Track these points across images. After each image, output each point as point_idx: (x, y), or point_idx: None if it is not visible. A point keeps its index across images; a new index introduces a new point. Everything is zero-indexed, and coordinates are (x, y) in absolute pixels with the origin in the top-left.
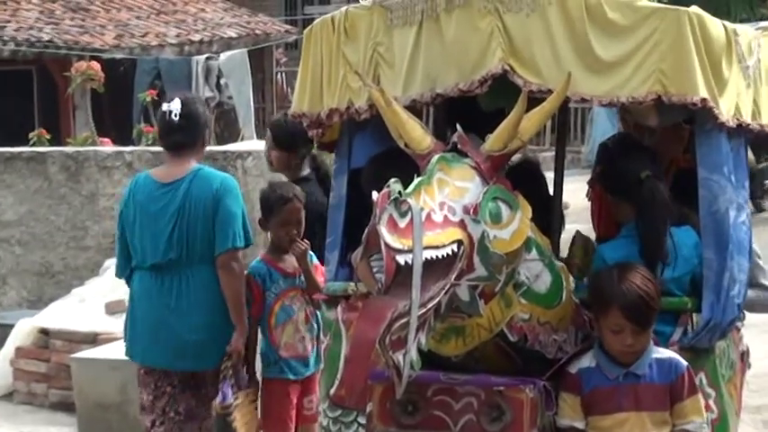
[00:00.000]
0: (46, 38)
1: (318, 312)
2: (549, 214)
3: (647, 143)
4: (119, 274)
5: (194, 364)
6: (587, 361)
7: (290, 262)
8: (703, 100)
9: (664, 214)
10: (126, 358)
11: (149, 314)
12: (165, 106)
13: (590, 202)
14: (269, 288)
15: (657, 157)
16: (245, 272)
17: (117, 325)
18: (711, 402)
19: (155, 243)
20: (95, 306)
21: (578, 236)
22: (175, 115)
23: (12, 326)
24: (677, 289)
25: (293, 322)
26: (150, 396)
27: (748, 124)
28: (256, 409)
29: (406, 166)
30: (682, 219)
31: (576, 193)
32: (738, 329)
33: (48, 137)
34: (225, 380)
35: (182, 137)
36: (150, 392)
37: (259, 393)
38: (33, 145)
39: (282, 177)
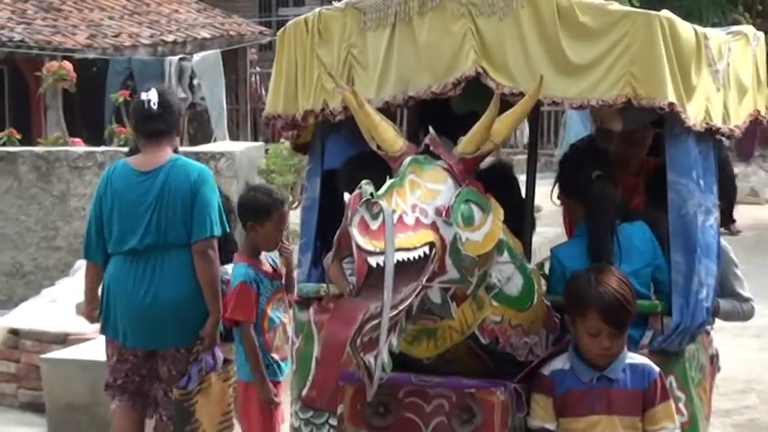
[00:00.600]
0: (17, 38)
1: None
2: (521, 217)
3: (612, 146)
4: (86, 255)
5: (166, 342)
6: (561, 363)
7: (266, 262)
8: (671, 104)
9: (610, 213)
10: (97, 359)
11: (126, 297)
12: (142, 95)
13: (562, 206)
14: (262, 293)
15: (611, 160)
16: (241, 280)
17: (88, 326)
18: (681, 406)
19: (133, 230)
20: (66, 306)
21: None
22: (153, 104)
23: None
24: (637, 283)
25: (282, 325)
26: (114, 357)
27: (718, 128)
28: (230, 387)
29: (382, 168)
30: (654, 222)
31: (548, 197)
32: (708, 333)
33: (18, 137)
34: (194, 363)
35: (160, 124)
36: (115, 354)
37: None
38: (3, 145)
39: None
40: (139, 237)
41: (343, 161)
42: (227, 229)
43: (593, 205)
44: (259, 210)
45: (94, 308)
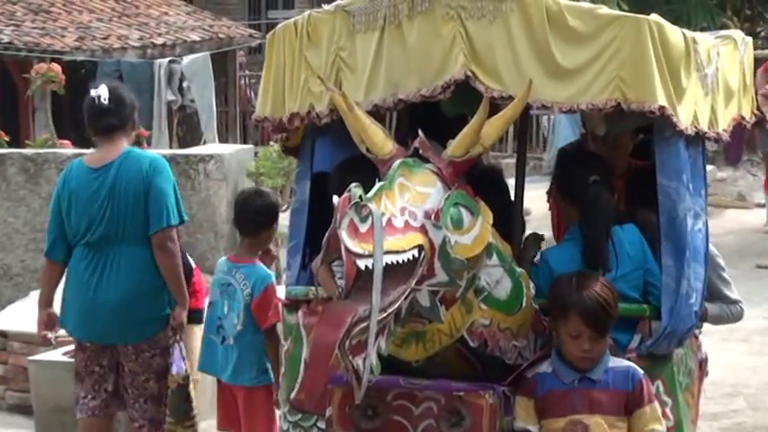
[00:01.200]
0: (6, 39)
1: None
2: (510, 221)
3: (597, 150)
4: (46, 253)
5: (119, 337)
6: (544, 366)
7: None
8: (662, 108)
9: (606, 218)
10: None
11: (80, 290)
12: (92, 92)
13: (550, 210)
14: None
15: (607, 165)
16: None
17: None
18: (668, 410)
19: (88, 225)
20: (54, 309)
21: (532, 236)
22: (104, 99)
23: None
24: (627, 287)
25: None
26: (83, 371)
27: (705, 132)
28: (193, 390)
29: (372, 171)
30: (645, 225)
31: (537, 200)
32: (696, 337)
33: (6, 139)
34: (175, 352)
35: (112, 119)
36: (83, 368)
37: None
38: None
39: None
40: (94, 231)
41: (334, 165)
42: (184, 218)
43: (590, 210)
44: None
45: (46, 313)
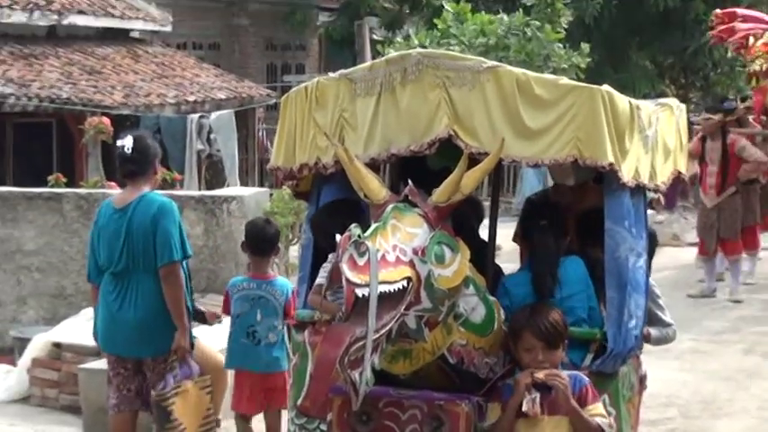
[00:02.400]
0: (65, 95)
1: None
2: (484, 256)
3: (563, 197)
4: (88, 278)
5: (136, 351)
6: (510, 379)
7: None
8: (611, 164)
9: (548, 257)
10: None
11: (106, 311)
12: (119, 142)
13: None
14: None
15: (560, 211)
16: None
17: None
18: (612, 419)
19: (111, 257)
20: None
21: None
22: (128, 149)
23: (29, 340)
24: (575, 307)
25: None
26: (111, 373)
27: (645, 184)
28: (209, 394)
29: (347, 213)
30: (595, 262)
31: (507, 238)
32: (638, 356)
33: (64, 180)
34: (170, 371)
35: (134, 166)
36: (111, 371)
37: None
38: (52, 186)
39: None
40: (115, 262)
41: (320, 207)
42: (189, 253)
43: (534, 249)
44: (279, 238)
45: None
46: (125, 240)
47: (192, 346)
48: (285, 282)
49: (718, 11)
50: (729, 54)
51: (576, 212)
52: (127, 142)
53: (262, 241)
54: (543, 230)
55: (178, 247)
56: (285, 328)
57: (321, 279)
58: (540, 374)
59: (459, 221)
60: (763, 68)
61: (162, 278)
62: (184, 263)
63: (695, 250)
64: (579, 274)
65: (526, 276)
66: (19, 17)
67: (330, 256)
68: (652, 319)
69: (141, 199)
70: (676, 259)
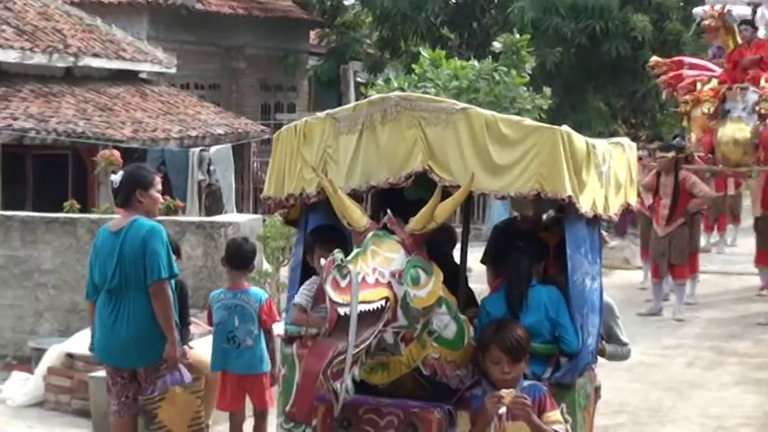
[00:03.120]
0: (79, 130)
1: None
2: (456, 278)
3: (526, 226)
4: (87, 297)
5: (130, 362)
6: (478, 390)
7: None
8: (569, 196)
9: (521, 278)
10: None
11: (102, 325)
12: (111, 177)
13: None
14: None
15: (529, 237)
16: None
17: None
18: (569, 426)
19: (105, 275)
20: None
21: None
22: (115, 184)
23: (45, 350)
24: (541, 330)
25: None
26: (110, 382)
27: (600, 215)
28: (198, 399)
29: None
30: (560, 286)
31: (476, 260)
32: (593, 369)
33: (78, 206)
34: (160, 378)
35: (121, 196)
36: (110, 380)
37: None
38: (67, 212)
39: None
40: (109, 280)
41: (310, 233)
42: (175, 272)
43: (510, 272)
44: (255, 254)
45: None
46: (118, 260)
47: (184, 352)
48: (258, 291)
49: (656, 58)
50: (672, 97)
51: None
52: (116, 178)
53: (239, 257)
54: (519, 252)
55: (165, 266)
56: (261, 332)
57: (299, 298)
58: (507, 399)
59: (434, 247)
60: (711, 111)
61: (151, 295)
62: (172, 281)
63: (641, 273)
64: (552, 302)
65: (502, 298)
66: (39, 59)
67: (313, 277)
68: (611, 337)
69: (132, 223)
70: (627, 280)
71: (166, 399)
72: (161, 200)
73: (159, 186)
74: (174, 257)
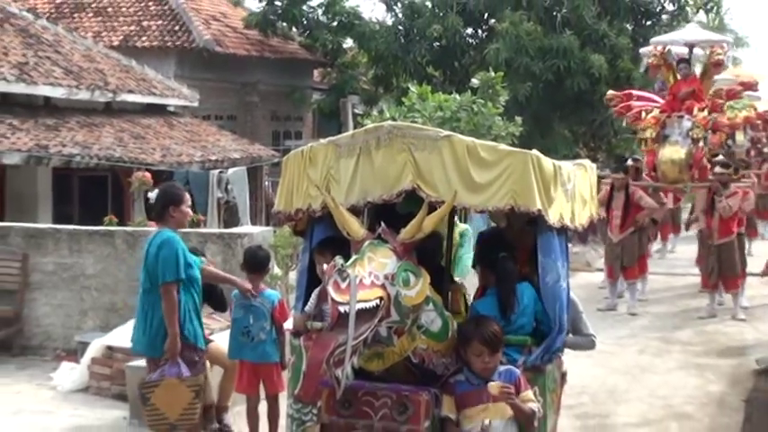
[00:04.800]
0: (117, 155)
1: None
2: (442, 280)
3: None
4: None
5: (149, 352)
6: (460, 376)
7: None
8: (539, 210)
9: (512, 281)
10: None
11: (136, 319)
12: (149, 194)
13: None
14: None
15: (513, 245)
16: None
17: None
18: (540, 406)
19: (141, 278)
20: None
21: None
22: (151, 201)
23: (89, 343)
24: (525, 322)
25: None
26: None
27: (567, 225)
28: (194, 393)
29: (337, 246)
30: (529, 281)
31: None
32: (560, 357)
33: (116, 220)
34: (160, 368)
35: (153, 211)
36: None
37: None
38: (107, 225)
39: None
40: (142, 282)
41: (316, 243)
42: (180, 276)
43: (502, 276)
44: (270, 260)
45: None
46: (145, 266)
47: (195, 349)
48: (272, 293)
49: (612, 92)
50: (626, 124)
51: (524, 248)
52: (151, 195)
53: (255, 262)
54: (505, 260)
55: (173, 271)
56: (273, 327)
57: (308, 307)
58: (495, 390)
59: (422, 253)
60: (653, 135)
61: (162, 294)
62: (194, 283)
63: (602, 275)
64: (530, 298)
65: (492, 300)
66: (84, 95)
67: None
68: (577, 329)
69: (156, 234)
70: (588, 281)
71: (161, 386)
72: (191, 214)
73: (189, 202)
74: (202, 259)
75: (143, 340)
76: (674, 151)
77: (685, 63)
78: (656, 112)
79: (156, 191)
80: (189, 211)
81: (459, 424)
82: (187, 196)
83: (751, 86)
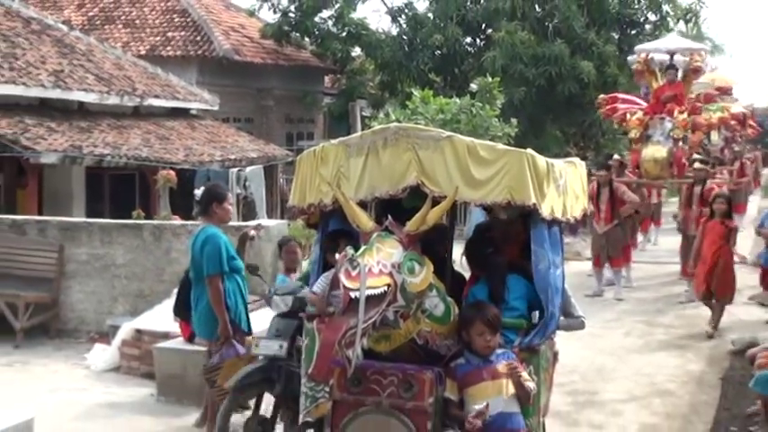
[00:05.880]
0: (144, 155)
1: None
2: (444, 268)
3: (501, 227)
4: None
5: (201, 334)
6: (461, 360)
7: None
8: (533, 204)
9: (499, 274)
10: (186, 347)
11: (193, 306)
12: (195, 191)
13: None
14: None
15: (500, 239)
16: None
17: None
18: (534, 384)
19: (190, 268)
20: (169, 316)
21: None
22: (197, 198)
23: (119, 327)
24: (520, 305)
25: None
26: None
27: (559, 218)
28: None
29: (347, 237)
30: (526, 272)
31: (460, 254)
32: (553, 339)
33: (143, 214)
34: (217, 352)
35: (198, 207)
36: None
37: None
38: (135, 219)
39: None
40: (190, 272)
41: (326, 234)
42: (223, 269)
43: (490, 270)
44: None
45: None
46: (192, 257)
47: (242, 331)
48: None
49: (603, 96)
50: (616, 126)
51: (517, 239)
52: (197, 192)
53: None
54: (492, 256)
55: (216, 264)
56: None
57: (316, 287)
58: (502, 368)
59: (426, 244)
60: (637, 136)
61: (207, 285)
62: (236, 274)
63: (590, 263)
64: (522, 287)
65: (484, 286)
66: (114, 100)
67: (330, 270)
68: (567, 312)
69: (202, 229)
70: (578, 269)
71: (224, 368)
72: (232, 211)
73: (231, 200)
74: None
75: (196, 325)
76: (656, 150)
77: (673, 69)
78: (639, 114)
79: (202, 188)
80: (231, 208)
81: (462, 404)
82: (229, 194)
83: (726, 91)
